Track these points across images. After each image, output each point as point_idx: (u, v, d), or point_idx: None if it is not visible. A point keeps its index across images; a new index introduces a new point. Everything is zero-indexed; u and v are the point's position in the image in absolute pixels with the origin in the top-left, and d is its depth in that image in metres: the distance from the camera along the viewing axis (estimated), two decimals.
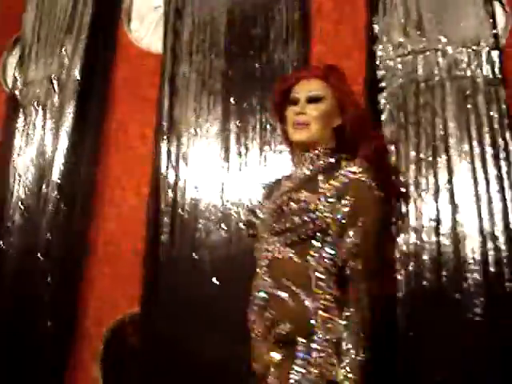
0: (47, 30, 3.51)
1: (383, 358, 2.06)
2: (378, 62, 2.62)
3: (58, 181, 3.13)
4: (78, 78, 3.28)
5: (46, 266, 3.05)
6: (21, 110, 3.38)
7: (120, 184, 3.13)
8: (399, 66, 2.57)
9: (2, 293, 3.11)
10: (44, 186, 3.16)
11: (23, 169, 3.26)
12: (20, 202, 3.19)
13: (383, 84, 2.59)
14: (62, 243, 3.04)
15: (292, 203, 1.71)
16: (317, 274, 1.65)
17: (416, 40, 2.58)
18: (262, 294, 1.73)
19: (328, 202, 1.67)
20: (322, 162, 1.84)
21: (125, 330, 2.99)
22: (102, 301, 3.05)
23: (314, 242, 1.68)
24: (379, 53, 2.63)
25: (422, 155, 2.43)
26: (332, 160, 1.83)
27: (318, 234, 1.68)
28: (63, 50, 3.39)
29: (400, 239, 2.34)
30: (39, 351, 3.02)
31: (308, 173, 1.83)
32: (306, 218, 1.68)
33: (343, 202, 1.65)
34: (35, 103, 3.35)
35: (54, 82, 3.33)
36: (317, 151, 1.84)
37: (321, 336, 1.59)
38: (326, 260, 1.66)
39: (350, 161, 1.75)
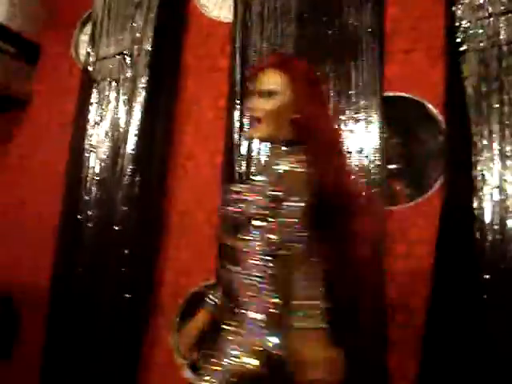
0: (117, 6, 3.62)
1: None
2: (457, 25, 2.55)
3: (133, 153, 3.25)
4: (150, 51, 3.35)
5: (123, 239, 3.17)
6: (94, 85, 3.52)
7: (193, 155, 3.23)
8: (480, 29, 2.51)
9: (80, 265, 3.29)
10: (119, 159, 3.29)
11: (98, 143, 3.41)
12: (96, 176, 3.35)
13: (463, 47, 2.54)
14: (138, 215, 3.17)
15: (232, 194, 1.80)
16: (253, 259, 1.72)
17: (497, 1, 2.50)
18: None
19: (256, 192, 1.73)
20: (275, 154, 1.84)
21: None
22: (178, 273, 3.18)
23: (251, 227, 1.73)
24: (458, 14, 2.57)
25: (505, 121, 2.38)
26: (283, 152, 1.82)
27: (254, 222, 1.72)
28: (134, 24, 3.49)
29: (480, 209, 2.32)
30: (116, 322, 3.16)
31: (264, 164, 1.82)
32: (237, 208, 1.76)
33: (272, 191, 1.69)
34: (108, 78, 3.48)
35: (126, 56, 3.43)
36: (273, 144, 1.88)
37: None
38: (258, 246, 1.71)
39: (293, 153, 1.76)
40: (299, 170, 1.72)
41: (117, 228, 3.15)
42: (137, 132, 3.22)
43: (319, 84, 1.97)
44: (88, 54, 3.63)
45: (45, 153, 3.64)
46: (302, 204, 1.69)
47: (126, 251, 3.12)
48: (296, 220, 1.69)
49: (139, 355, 3.11)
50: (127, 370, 3.09)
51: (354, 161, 2.63)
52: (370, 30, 2.76)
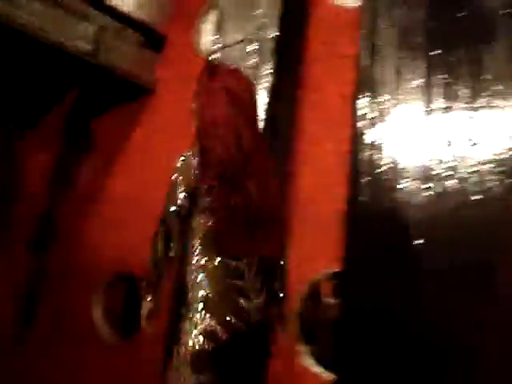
0: None
1: None
2: None
3: None
4: (274, 38, 3.50)
5: None
6: None
7: (318, 143, 3.34)
8: None
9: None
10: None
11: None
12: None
13: None
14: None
15: None
16: None
17: None
18: None
19: None
20: None
21: (322, 290, 3.25)
22: (301, 260, 3.32)
23: None
24: None
25: None
26: None
27: None
28: (258, 11, 3.64)
29: None
30: None
31: None
32: None
33: None
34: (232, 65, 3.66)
35: (251, 43, 3.60)
36: None
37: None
38: None
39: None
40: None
41: None
42: (260, 118, 3.36)
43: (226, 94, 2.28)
44: (212, 41, 3.80)
45: (171, 140, 3.88)
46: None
47: None
48: None
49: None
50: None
51: (489, 150, 2.59)
52: (507, 11, 2.70)
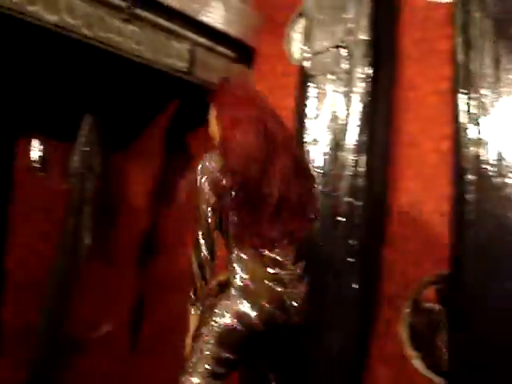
0: None
1: None
2: None
3: (354, 144, 3.46)
4: (365, 41, 3.53)
5: (348, 229, 3.40)
6: (310, 79, 3.79)
7: (416, 143, 3.34)
8: None
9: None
10: (340, 151, 3.53)
11: (318, 136, 3.68)
12: (318, 168, 3.62)
13: None
14: (363, 206, 3.37)
15: None
16: None
17: None
18: None
19: None
20: None
21: (432, 293, 3.24)
22: (407, 263, 3.32)
23: None
24: None
25: None
26: None
27: None
28: (347, 15, 3.69)
29: None
30: (345, 313, 3.41)
31: None
32: None
33: None
34: (324, 72, 3.72)
35: (342, 48, 3.64)
36: None
37: None
38: None
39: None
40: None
41: (342, 219, 3.34)
42: (357, 123, 3.40)
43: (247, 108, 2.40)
44: (302, 49, 3.88)
45: None
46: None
47: (352, 242, 3.29)
48: None
49: (367, 347, 3.28)
50: (353, 361, 3.28)
51: None
52: None
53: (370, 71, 3.36)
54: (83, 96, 3.82)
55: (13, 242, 4.01)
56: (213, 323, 2.30)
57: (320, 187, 3.38)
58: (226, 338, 2.27)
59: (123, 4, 3.23)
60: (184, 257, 4.15)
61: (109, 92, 3.81)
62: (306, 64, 3.68)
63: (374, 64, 3.33)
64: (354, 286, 3.23)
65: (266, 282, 2.32)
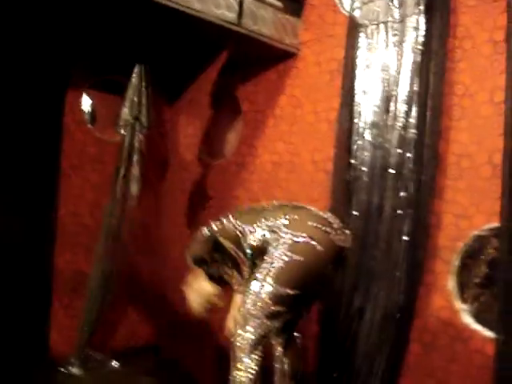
0: None
1: None
2: None
3: (405, 95, 3.46)
4: None
5: (399, 181, 3.44)
6: (361, 29, 3.77)
7: (470, 93, 3.31)
8: None
9: (356, 208, 3.65)
10: (391, 102, 3.54)
11: (368, 87, 3.69)
12: (368, 120, 3.65)
13: None
14: (414, 157, 3.39)
15: None
16: None
17: None
18: None
19: None
20: None
21: (483, 245, 3.27)
22: (457, 216, 3.35)
23: None
24: None
25: None
26: None
27: None
28: None
29: None
30: (392, 265, 3.48)
31: None
32: None
33: None
34: (375, 21, 3.70)
35: None
36: None
37: None
38: None
39: None
40: None
41: (392, 171, 3.39)
42: (409, 73, 3.40)
43: None
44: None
45: (315, 102, 4.03)
46: None
47: (402, 194, 3.33)
48: None
49: (415, 299, 3.36)
50: (401, 309, 3.36)
51: None
52: None
53: (423, 20, 3.28)
54: (133, 47, 3.89)
55: (64, 192, 4.16)
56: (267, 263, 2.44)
57: (370, 138, 3.38)
58: (286, 272, 2.39)
59: None
60: (231, 209, 4.26)
61: (158, 43, 3.87)
62: (356, 13, 3.66)
63: (427, 13, 3.27)
64: (404, 237, 3.20)
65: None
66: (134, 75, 3.99)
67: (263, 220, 2.59)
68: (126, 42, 3.85)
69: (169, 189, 4.54)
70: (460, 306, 3.21)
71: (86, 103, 4.40)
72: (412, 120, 3.27)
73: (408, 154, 3.27)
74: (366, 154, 3.45)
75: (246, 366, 2.39)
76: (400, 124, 3.29)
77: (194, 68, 4.14)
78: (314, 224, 2.46)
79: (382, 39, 3.50)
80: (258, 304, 2.39)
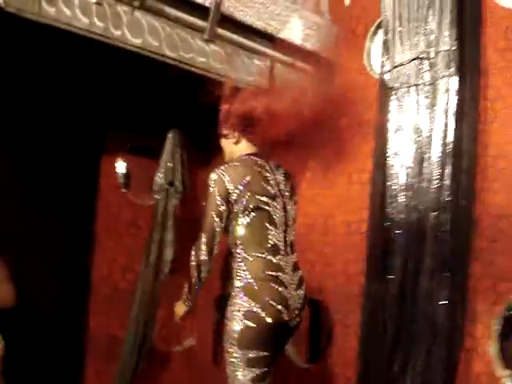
0: (408, 10, 3.90)
1: None
2: None
3: (439, 157, 3.49)
4: (447, 52, 3.56)
5: (435, 244, 3.42)
6: (392, 92, 3.85)
7: (505, 154, 3.32)
8: None
9: (392, 271, 3.64)
10: (424, 164, 3.56)
11: (401, 149, 3.73)
12: (402, 182, 3.67)
13: None
14: (450, 220, 3.39)
15: None
16: None
17: None
18: None
19: None
20: None
21: None
22: (495, 278, 3.31)
23: None
24: None
25: None
26: None
27: None
28: (428, 26, 3.73)
29: None
30: (432, 327, 3.44)
31: None
32: None
33: None
34: (406, 84, 3.76)
35: (423, 60, 3.68)
36: None
37: None
38: None
39: None
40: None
41: (428, 234, 3.39)
42: (441, 135, 3.44)
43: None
44: (382, 62, 3.95)
45: (347, 163, 4.07)
46: None
47: (439, 257, 3.32)
48: None
49: (455, 364, 3.30)
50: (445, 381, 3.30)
51: None
52: None
53: (454, 82, 3.32)
54: (167, 112, 4.00)
55: (98, 256, 4.22)
56: (228, 333, 2.57)
57: (404, 201, 3.40)
58: (245, 339, 2.51)
59: (205, 25, 3.38)
60: None
61: (191, 108, 3.98)
62: (387, 76, 3.72)
63: (458, 74, 3.31)
64: (442, 302, 3.19)
65: (269, 283, 2.57)
66: (167, 140, 4.07)
67: None
68: (160, 107, 3.95)
69: None
70: (501, 372, 3.06)
71: (121, 167, 4.48)
72: (446, 182, 3.26)
73: (443, 217, 3.22)
74: (400, 216, 3.43)
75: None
76: (434, 186, 3.30)
77: None
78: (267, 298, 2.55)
79: (413, 101, 3.55)
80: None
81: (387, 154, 3.60)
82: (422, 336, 3.32)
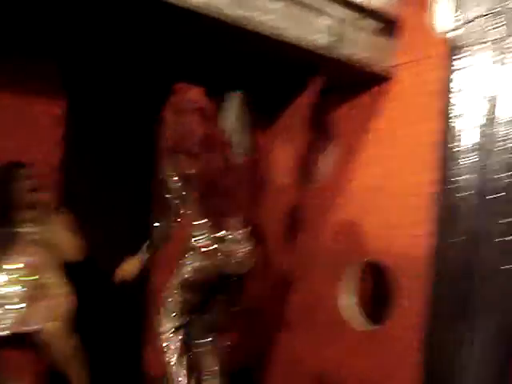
0: None
1: None
2: None
3: (509, 118, 3.42)
4: None
5: (500, 207, 3.38)
6: (460, 50, 3.76)
7: None
8: None
9: (459, 233, 3.62)
10: (492, 124, 3.49)
11: (469, 108, 3.66)
12: (470, 142, 3.62)
13: None
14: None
15: None
16: None
17: None
18: None
19: None
20: None
21: None
22: None
23: None
24: None
25: None
26: None
27: None
28: None
29: None
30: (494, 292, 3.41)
31: None
32: None
33: None
34: (476, 40, 3.68)
35: (495, 15, 3.59)
36: None
37: None
38: None
39: None
40: None
41: (493, 196, 3.34)
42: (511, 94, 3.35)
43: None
44: (448, 19, 3.85)
45: (413, 124, 4.03)
46: None
47: (505, 220, 3.28)
48: None
49: None
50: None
51: None
52: None
53: None
54: (229, 74, 4.03)
55: None
56: (176, 278, 3.42)
57: (472, 162, 3.36)
58: (188, 285, 3.38)
59: None
60: (326, 233, 4.32)
61: (253, 69, 4.00)
62: (454, 34, 3.64)
63: None
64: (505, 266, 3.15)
65: (216, 244, 3.35)
66: (229, 103, 4.08)
67: None
68: (221, 69, 3.98)
69: (265, 214, 4.63)
70: None
71: None
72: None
73: (510, 179, 3.17)
74: (469, 177, 3.39)
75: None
76: (504, 147, 3.22)
77: (288, 93, 4.24)
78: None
79: (482, 59, 3.46)
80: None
81: (455, 114, 3.52)
82: (490, 301, 3.25)
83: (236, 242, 3.41)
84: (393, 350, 3.75)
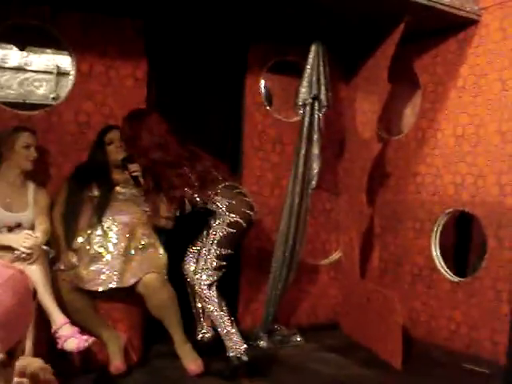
0: None
1: None
2: None
3: None
4: None
5: None
6: None
7: None
8: None
9: None
10: None
11: None
12: None
13: None
14: None
15: None
16: None
17: None
18: None
19: None
20: None
21: None
22: None
23: None
24: None
25: None
26: None
27: None
28: None
29: None
30: None
31: None
32: None
33: None
34: None
35: None
36: None
37: None
38: None
39: None
40: None
41: None
42: None
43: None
44: None
45: (501, 70, 3.94)
46: None
47: None
48: None
49: None
50: None
51: None
52: None
53: None
54: (308, 26, 4.06)
55: (247, 173, 4.49)
56: (212, 236, 3.78)
57: None
58: (225, 240, 3.71)
59: None
60: (412, 186, 4.34)
61: (334, 20, 4.00)
62: None
63: None
64: None
65: (242, 197, 3.85)
66: (311, 54, 4.13)
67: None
68: (301, 21, 4.01)
69: (347, 167, 4.69)
70: None
71: (264, 85, 4.65)
72: None
73: None
74: None
75: (209, 297, 3.70)
76: None
77: (369, 43, 4.23)
78: (243, 209, 3.76)
79: None
80: (209, 261, 3.70)
81: None
82: None
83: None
84: (482, 302, 3.76)
